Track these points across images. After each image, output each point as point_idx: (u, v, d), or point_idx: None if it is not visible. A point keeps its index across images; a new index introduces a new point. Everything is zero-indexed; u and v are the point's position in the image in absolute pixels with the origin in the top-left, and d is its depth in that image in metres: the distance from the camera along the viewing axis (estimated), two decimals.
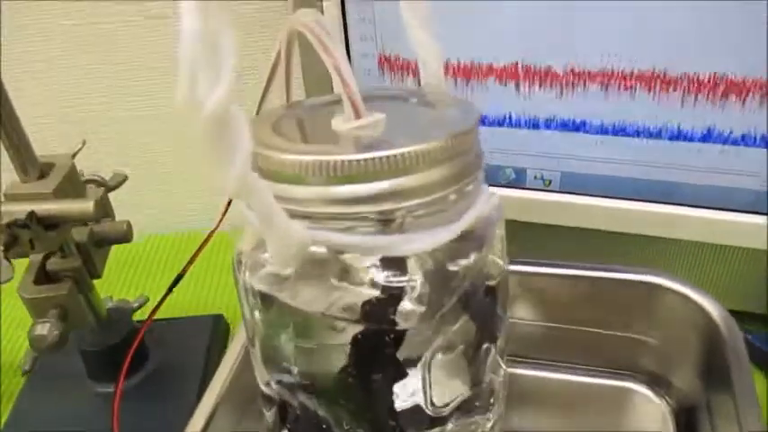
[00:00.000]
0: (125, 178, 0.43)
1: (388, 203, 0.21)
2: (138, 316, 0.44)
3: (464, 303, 0.25)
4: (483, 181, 0.26)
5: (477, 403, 0.30)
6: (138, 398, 0.40)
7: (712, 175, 0.36)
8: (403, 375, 0.25)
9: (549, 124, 0.37)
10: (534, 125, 0.38)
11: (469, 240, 0.26)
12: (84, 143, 0.38)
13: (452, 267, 0.25)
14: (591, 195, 0.39)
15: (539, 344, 0.37)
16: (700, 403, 0.32)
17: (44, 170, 0.34)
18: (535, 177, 0.40)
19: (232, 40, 0.16)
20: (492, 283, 0.27)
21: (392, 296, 0.23)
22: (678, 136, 0.35)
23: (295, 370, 0.26)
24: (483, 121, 0.39)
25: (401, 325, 0.23)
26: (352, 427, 0.26)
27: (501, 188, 0.40)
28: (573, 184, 0.39)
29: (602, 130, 0.37)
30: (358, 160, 0.20)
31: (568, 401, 0.36)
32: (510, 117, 0.38)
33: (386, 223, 0.21)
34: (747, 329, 0.41)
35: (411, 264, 0.23)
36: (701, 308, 0.31)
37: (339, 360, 0.25)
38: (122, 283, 0.53)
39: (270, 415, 0.30)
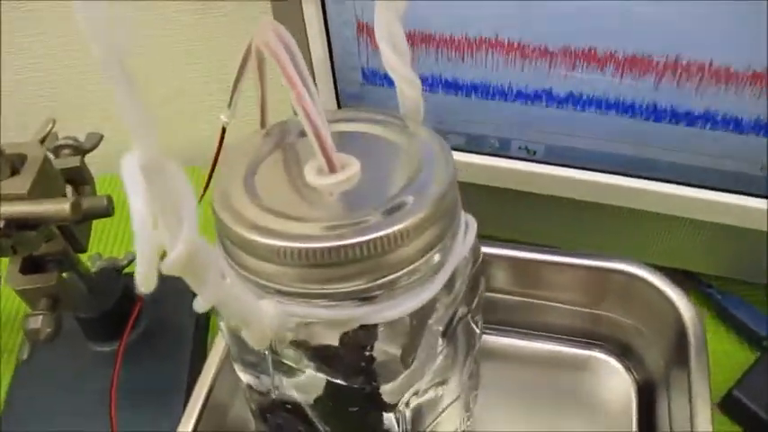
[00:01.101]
0: (101, 138, 0.42)
1: (363, 281, 0.21)
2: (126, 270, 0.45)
3: (444, 333, 0.26)
4: (460, 218, 0.25)
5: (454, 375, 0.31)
6: (134, 356, 0.42)
7: (703, 157, 0.35)
8: (383, 408, 0.26)
9: (537, 97, 0.36)
10: (522, 97, 0.37)
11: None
12: (53, 124, 0.36)
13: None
14: (576, 168, 0.38)
15: (510, 314, 0.39)
16: (660, 381, 0.35)
17: (15, 165, 0.33)
18: (519, 148, 0.39)
19: (189, 190, 0.15)
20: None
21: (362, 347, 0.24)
22: (671, 117, 0.34)
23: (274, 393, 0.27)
24: (467, 89, 0.37)
25: (378, 381, 0.24)
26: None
27: (485, 156, 0.40)
28: (558, 155, 0.38)
29: (590, 105, 0.36)
30: (330, 249, 0.20)
31: (538, 368, 0.39)
32: (495, 89, 0.37)
33: (363, 298, 0.22)
34: (722, 291, 0.42)
35: None
36: (673, 304, 0.33)
37: (315, 389, 0.26)
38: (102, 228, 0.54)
39: (254, 406, 0.32)
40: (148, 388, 0.41)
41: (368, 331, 0.24)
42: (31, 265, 0.35)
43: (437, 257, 0.23)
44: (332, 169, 0.23)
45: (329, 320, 0.22)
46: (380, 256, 0.21)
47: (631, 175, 0.37)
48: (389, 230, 0.20)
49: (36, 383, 0.42)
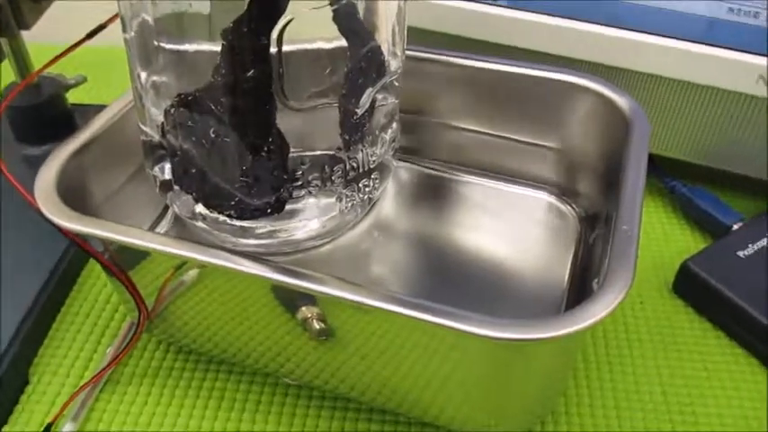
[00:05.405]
0: None
1: None
2: (76, 98, 0.44)
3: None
4: None
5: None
6: None
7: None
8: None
9: None
10: None
11: None
12: None
13: None
14: (544, 13, 0.37)
15: (461, 152, 0.37)
16: (602, 215, 0.31)
17: None
18: None
19: None
20: None
21: None
22: None
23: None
24: None
25: None
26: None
27: (450, 1, 0.38)
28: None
29: None
30: None
31: (482, 205, 0.36)
32: None
33: None
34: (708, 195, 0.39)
35: None
36: (617, 107, 0.30)
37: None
38: None
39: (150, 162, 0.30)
40: None
41: None
42: None
43: None
44: None
45: None
46: None
47: (611, 26, 0.36)
48: None
49: None
